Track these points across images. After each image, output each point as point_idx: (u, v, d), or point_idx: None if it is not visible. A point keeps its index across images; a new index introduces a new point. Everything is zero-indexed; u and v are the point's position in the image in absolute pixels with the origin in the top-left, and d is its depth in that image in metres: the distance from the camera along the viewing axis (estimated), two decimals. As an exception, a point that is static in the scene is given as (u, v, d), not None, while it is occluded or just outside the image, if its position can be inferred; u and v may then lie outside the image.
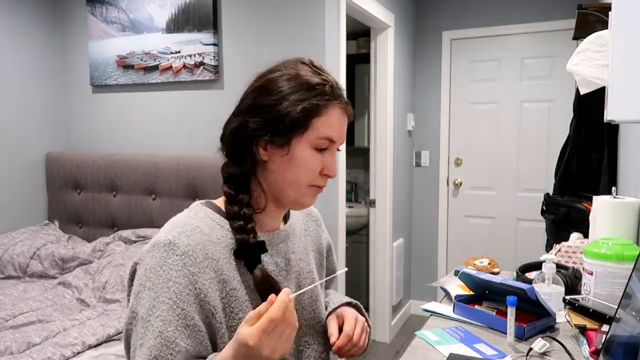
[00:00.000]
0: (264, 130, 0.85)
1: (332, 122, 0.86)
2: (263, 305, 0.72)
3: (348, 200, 3.97)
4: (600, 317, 1.13)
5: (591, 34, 1.54)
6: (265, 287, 0.84)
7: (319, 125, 0.85)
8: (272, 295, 0.73)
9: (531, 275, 1.45)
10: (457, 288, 1.46)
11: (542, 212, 2.11)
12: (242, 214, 0.86)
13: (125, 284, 2.18)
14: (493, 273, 1.59)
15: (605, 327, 1.06)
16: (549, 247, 1.94)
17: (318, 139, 0.86)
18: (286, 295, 0.73)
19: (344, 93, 0.91)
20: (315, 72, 0.88)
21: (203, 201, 0.92)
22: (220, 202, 0.92)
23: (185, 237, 0.81)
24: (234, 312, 0.84)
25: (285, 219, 1.00)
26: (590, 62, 1.48)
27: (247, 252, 0.85)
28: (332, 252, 1.14)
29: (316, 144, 0.86)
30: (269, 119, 0.84)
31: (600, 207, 1.47)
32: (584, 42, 1.52)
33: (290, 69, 0.88)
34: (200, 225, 0.85)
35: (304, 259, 1.00)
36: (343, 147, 2.69)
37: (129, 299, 0.84)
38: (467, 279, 1.36)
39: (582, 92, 1.54)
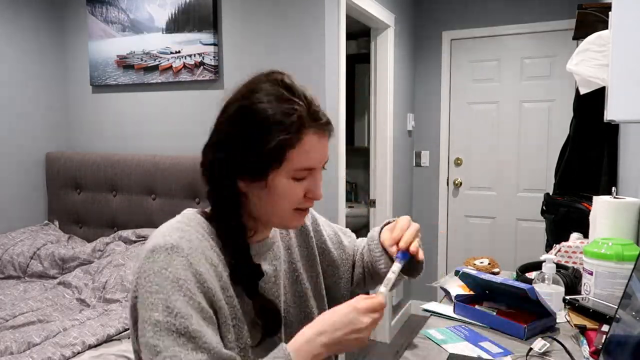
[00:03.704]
0: (238, 166, 0.83)
1: (308, 151, 0.82)
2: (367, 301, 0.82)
3: (348, 200, 3.96)
4: (600, 317, 1.13)
5: (591, 34, 1.54)
6: (265, 309, 0.87)
7: (295, 157, 0.81)
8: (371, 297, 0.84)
9: (531, 275, 1.45)
10: (457, 288, 1.46)
11: (542, 212, 2.11)
12: (234, 240, 0.86)
13: (126, 284, 2.19)
14: (493, 273, 1.59)
15: (605, 327, 1.06)
16: (549, 247, 1.94)
17: (295, 170, 0.83)
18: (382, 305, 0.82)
19: (320, 112, 0.85)
20: (284, 97, 0.82)
21: (194, 209, 0.91)
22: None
23: (186, 241, 0.80)
24: (229, 318, 0.83)
25: None
26: (590, 62, 1.48)
27: (244, 277, 0.85)
28: (320, 228, 1.09)
29: (294, 175, 0.83)
30: (242, 155, 0.82)
31: (600, 207, 1.47)
32: (584, 42, 1.52)
33: (259, 94, 0.82)
34: (196, 233, 0.83)
35: (293, 259, 1.00)
36: (343, 147, 2.70)
37: (133, 316, 0.80)
38: (467, 279, 1.36)
39: (582, 92, 1.54)
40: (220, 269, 0.83)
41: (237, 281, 0.84)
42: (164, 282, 0.76)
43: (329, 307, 1.02)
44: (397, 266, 0.89)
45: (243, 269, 0.85)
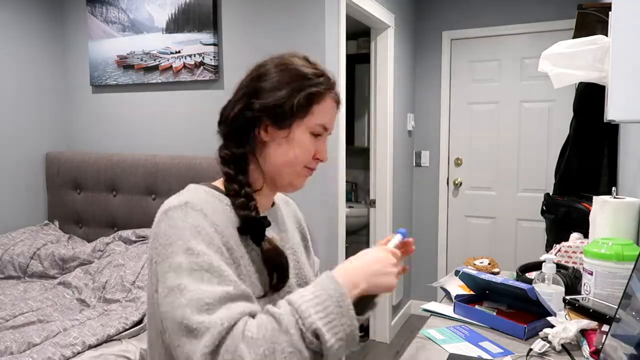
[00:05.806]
0: (268, 112, 0.91)
1: (327, 110, 0.94)
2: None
3: (348, 200, 3.97)
4: (600, 317, 1.13)
5: (591, 34, 1.53)
6: (273, 256, 0.90)
7: (318, 112, 0.93)
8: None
9: (531, 275, 1.45)
10: (457, 288, 1.46)
11: (542, 212, 2.11)
12: (243, 192, 0.91)
13: (126, 284, 2.19)
14: (493, 273, 1.59)
15: (605, 327, 1.06)
16: (549, 247, 1.93)
17: (315, 125, 0.93)
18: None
19: (336, 86, 0.98)
20: (314, 64, 0.96)
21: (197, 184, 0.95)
22: (216, 182, 0.96)
23: (198, 199, 0.85)
24: (246, 268, 0.86)
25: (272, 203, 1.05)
26: (558, 62, 1.46)
27: (252, 227, 0.89)
28: (305, 230, 1.17)
29: (313, 130, 0.93)
30: (274, 102, 0.90)
31: (600, 207, 1.46)
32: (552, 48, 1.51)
33: (289, 60, 0.95)
34: (205, 194, 0.89)
35: (292, 238, 1.05)
36: (343, 147, 2.70)
37: (152, 273, 0.83)
38: (467, 279, 1.36)
39: (555, 87, 1.52)
40: (228, 232, 0.86)
41: (245, 231, 0.88)
42: (181, 231, 0.80)
43: None
44: (397, 237, 0.95)
45: (251, 219, 0.88)
